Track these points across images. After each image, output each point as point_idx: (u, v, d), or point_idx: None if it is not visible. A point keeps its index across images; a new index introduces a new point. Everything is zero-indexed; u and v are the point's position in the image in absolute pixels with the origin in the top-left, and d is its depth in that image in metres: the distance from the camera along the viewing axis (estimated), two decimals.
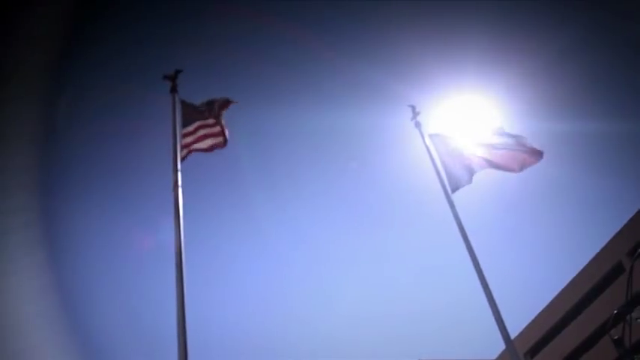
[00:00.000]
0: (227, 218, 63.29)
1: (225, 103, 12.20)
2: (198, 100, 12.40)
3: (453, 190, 13.47)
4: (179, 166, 10.69)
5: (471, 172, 13.65)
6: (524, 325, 39.96)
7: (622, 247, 32.31)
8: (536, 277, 67.00)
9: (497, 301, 11.16)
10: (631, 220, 33.31)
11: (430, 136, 14.52)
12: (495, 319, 10.97)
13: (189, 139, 11.79)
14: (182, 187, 10.33)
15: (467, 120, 15.43)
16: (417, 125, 14.84)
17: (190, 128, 11.84)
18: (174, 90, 12.02)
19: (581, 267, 36.65)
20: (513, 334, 13.91)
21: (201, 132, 11.92)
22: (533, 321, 39.63)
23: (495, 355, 39.06)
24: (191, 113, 12.01)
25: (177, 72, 12.30)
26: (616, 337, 11.25)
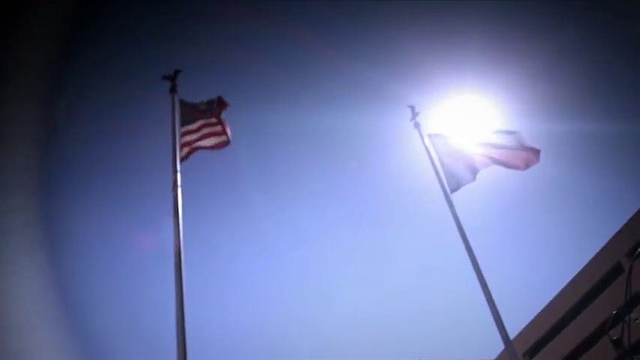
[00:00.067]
0: (226, 218, 63.34)
1: (222, 103, 12.21)
2: (197, 100, 12.43)
3: (453, 190, 13.49)
4: (178, 166, 10.71)
5: (474, 171, 13.66)
6: (523, 326, 39.98)
7: (621, 247, 32.32)
8: (535, 277, 67.02)
9: (497, 302, 11.19)
10: (630, 220, 33.32)
11: (429, 136, 14.53)
12: (494, 319, 10.98)
13: (192, 137, 11.81)
14: (181, 187, 10.34)
15: (466, 120, 15.46)
16: (417, 126, 14.85)
17: (193, 126, 11.86)
18: (173, 90, 12.02)
19: (580, 267, 36.69)
20: (512, 334, 13.91)
21: (205, 130, 11.94)
22: (533, 321, 39.63)
23: (494, 356, 39.04)
24: (191, 112, 12.02)
25: (177, 72, 12.31)
26: (615, 338, 11.27)
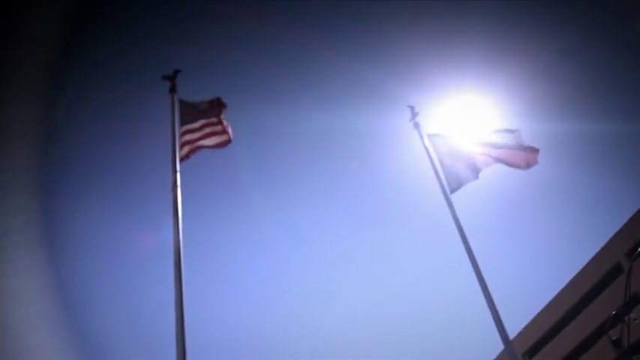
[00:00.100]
0: (226, 218, 63.32)
1: (221, 103, 12.24)
2: (196, 99, 12.45)
3: (452, 191, 13.51)
4: (178, 166, 10.73)
5: (475, 170, 13.68)
6: (522, 326, 40.02)
7: (621, 247, 32.36)
8: (535, 277, 67.02)
9: (496, 302, 11.20)
10: (630, 220, 33.37)
11: (429, 136, 14.54)
12: (494, 319, 10.99)
13: (193, 136, 11.83)
14: (181, 187, 10.37)
15: (466, 120, 15.48)
16: (416, 126, 14.86)
17: (195, 125, 11.89)
18: (173, 90, 12.04)
19: (580, 267, 36.73)
20: (512, 334, 13.93)
21: (207, 130, 11.97)
22: (532, 321, 39.68)
23: (494, 356, 39.04)
24: (191, 112, 12.04)
25: (176, 72, 12.33)
26: (614, 338, 11.31)
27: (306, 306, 65.79)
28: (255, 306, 65.98)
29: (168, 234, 9.67)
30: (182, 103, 11.97)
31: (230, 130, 12.12)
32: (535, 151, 13.25)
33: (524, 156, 13.37)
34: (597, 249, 35.49)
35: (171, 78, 12.17)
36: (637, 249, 14.89)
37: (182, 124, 11.77)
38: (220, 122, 12.04)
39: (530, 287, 62.97)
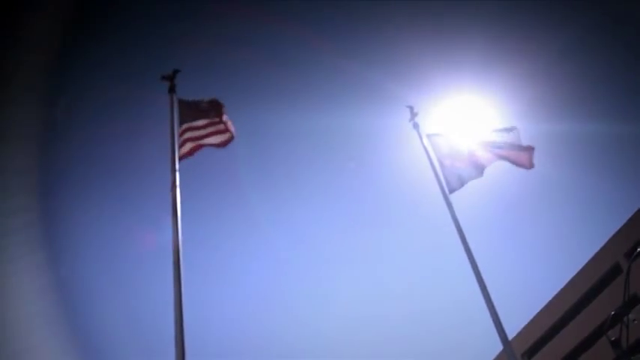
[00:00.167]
0: (225, 218, 63.27)
1: (220, 104, 12.28)
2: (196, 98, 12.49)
3: (451, 191, 13.53)
4: (177, 166, 10.74)
5: (478, 168, 13.70)
6: (521, 326, 40.02)
7: (620, 248, 32.36)
8: (534, 277, 67.03)
9: (495, 302, 11.21)
10: (629, 221, 33.37)
11: (428, 136, 14.56)
12: (493, 319, 11.00)
13: (198, 133, 11.87)
14: (181, 186, 10.38)
15: (465, 121, 15.51)
16: (415, 126, 14.89)
17: (198, 123, 11.92)
18: (172, 90, 12.06)
19: (579, 268, 36.72)
20: (511, 334, 13.94)
21: (210, 129, 12.01)
22: (531, 322, 39.67)
23: (493, 356, 39.06)
24: (192, 111, 12.06)
25: (175, 72, 12.34)
26: (613, 339, 11.30)
27: (305, 306, 65.81)
28: (255, 306, 66.02)
29: (168, 234, 9.69)
30: (181, 102, 11.99)
31: (232, 128, 12.18)
32: (531, 150, 13.31)
33: (525, 156, 13.43)
34: (596, 249, 35.51)
35: (171, 78, 12.19)
36: (636, 249, 14.91)
37: (181, 122, 11.80)
38: (222, 121, 12.10)
39: (530, 287, 63.00)
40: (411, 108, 15.23)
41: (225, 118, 12.13)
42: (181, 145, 11.59)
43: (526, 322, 40.03)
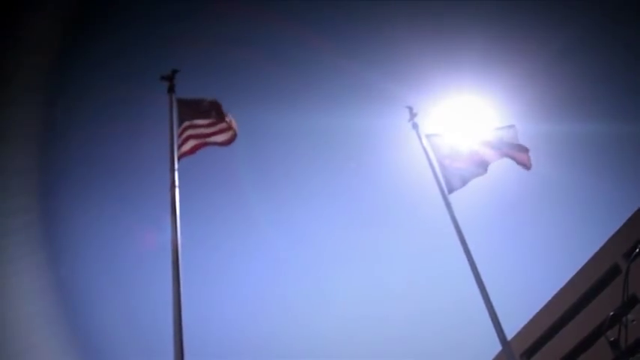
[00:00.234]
0: (224, 217, 63.27)
1: (219, 104, 12.33)
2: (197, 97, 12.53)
3: (450, 191, 13.56)
4: (176, 166, 10.76)
5: (484, 164, 13.73)
6: (520, 326, 40.02)
7: (619, 248, 32.34)
8: (533, 277, 67.01)
9: (494, 302, 11.22)
10: (628, 221, 33.35)
11: (427, 136, 14.59)
12: (492, 319, 11.02)
13: (201, 132, 11.90)
14: (180, 186, 10.40)
15: (464, 121, 15.54)
16: (415, 126, 14.92)
17: (202, 122, 11.96)
18: (171, 90, 12.09)
19: (578, 268, 36.71)
20: (510, 334, 13.94)
21: (213, 128, 12.05)
22: (530, 322, 39.64)
23: (492, 357, 39.08)
24: (192, 110, 12.10)
25: (174, 72, 12.37)
26: (612, 339, 11.35)
27: (304, 306, 65.80)
28: (254, 306, 66.00)
29: (167, 233, 9.71)
30: (180, 101, 12.01)
31: (235, 126, 12.23)
32: (527, 151, 13.39)
33: (524, 156, 13.49)
34: (596, 250, 35.50)
35: (170, 78, 12.22)
36: (635, 250, 14.94)
37: (181, 121, 11.82)
38: (224, 120, 12.15)
39: (529, 287, 62.95)
40: (411, 108, 15.27)
41: (228, 117, 12.18)
42: (182, 143, 11.62)
43: (525, 323, 40.04)
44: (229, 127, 12.18)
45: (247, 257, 66.25)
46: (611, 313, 11.16)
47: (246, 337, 59.43)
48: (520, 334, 38.99)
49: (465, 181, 13.72)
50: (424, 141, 14.53)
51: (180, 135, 11.68)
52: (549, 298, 38.59)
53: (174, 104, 11.90)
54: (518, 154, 13.58)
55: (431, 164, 14.01)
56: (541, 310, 39.02)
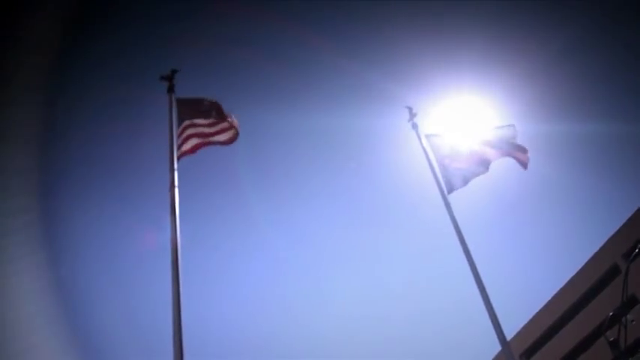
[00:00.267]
0: (224, 217, 63.33)
1: (219, 104, 12.34)
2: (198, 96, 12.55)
3: (450, 191, 13.55)
4: (175, 166, 10.75)
5: (485, 163, 13.73)
6: (520, 326, 40.02)
7: (618, 248, 32.34)
8: (533, 277, 67.02)
9: (494, 302, 11.21)
10: (627, 221, 33.37)
11: (427, 137, 14.57)
12: (491, 320, 11.00)
13: (203, 130, 11.90)
14: (180, 186, 10.39)
15: (464, 121, 15.52)
16: (414, 127, 14.90)
17: (202, 121, 11.96)
18: (171, 90, 12.07)
19: (578, 268, 36.71)
20: (509, 335, 13.94)
21: (215, 128, 12.06)
22: (530, 322, 39.65)
23: (491, 357, 39.08)
24: (192, 109, 12.09)
25: (174, 72, 12.36)
26: (611, 339, 11.32)
27: (303, 305, 65.82)
28: (253, 305, 66.03)
29: (167, 233, 9.69)
30: (179, 101, 12.00)
31: (237, 125, 12.24)
32: (526, 151, 13.42)
33: (523, 156, 13.52)
34: (595, 250, 35.50)
35: (169, 78, 12.21)
36: (634, 250, 14.94)
37: (181, 121, 11.81)
38: (226, 120, 12.16)
39: (529, 288, 62.99)
40: (410, 108, 15.24)
41: (230, 117, 12.20)
42: (183, 143, 11.61)
43: (525, 323, 40.04)
44: (231, 127, 12.18)
45: (247, 257, 66.30)
46: (611, 314, 11.12)
47: (245, 337, 59.46)
48: (520, 334, 39.01)
49: (466, 181, 13.71)
50: (424, 141, 14.51)
51: (180, 134, 11.68)
52: (549, 298, 38.66)
53: (174, 104, 11.89)
54: (517, 153, 13.60)
55: (430, 164, 13.99)
56: (540, 311, 39.04)
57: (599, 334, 23.15)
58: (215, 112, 12.20)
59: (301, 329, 64.47)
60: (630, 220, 33.16)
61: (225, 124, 12.15)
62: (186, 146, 11.65)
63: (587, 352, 33.55)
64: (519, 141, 13.54)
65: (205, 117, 12.08)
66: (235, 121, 12.28)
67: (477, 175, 13.75)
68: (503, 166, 14.16)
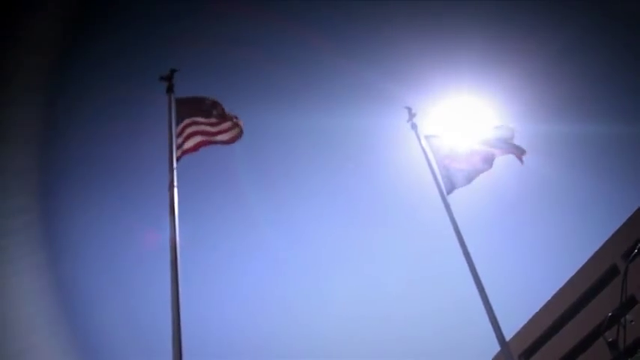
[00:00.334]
0: (223, 217, 63.30)
1: (220, 104, 12.35)
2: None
3: (449, 192, 13.57)
4: (175, 165, 10.76)
5: (489, 160, 13.76)
6: (519, 327, 40.03)
7: (618, 249, 32.36)
8: (532, 278, 67.03)
9: (493, 303, 11.23)
10: (626, 222, 33.38)
11: (426, 137, 14.60)
12: (490, 320, 11.02)
13: (207, 129, 11.91)
14: (179, 186, 10.40)
15: (464, 121, 15.55)
16: (414, 127, 14.92)
17: (204, 120, 11.97)
18: (170, 90, 12.08)
19: (577, 269, 36.72)
20: (509, 335, 13.97)
21: (217, 127, 12.07)
22: (529, 323, 39.65)
23: (490, 357, 39.10)
24: (192, 109, 12.10)
25: (173, 71, 12.36)
26: (610, 340, 11.34)
27: (303, 305, 65.83)
28: (253, 305, 66.02)
29: (167, 233, 9.71)
30: (179, 101, 12.00)
31: (241, 124, 12.27)
32: (523, 151, 13.48)
33: (520, 154, 13.58)
34: (594, 250, 35.51)
35: (169, 78, 12.22)
36: (633, 251, 14.96)
37: (180, 120, 11.80)
38: (227, 119, 12.17)
39: (528, 288, 62.98)
40: (409, 109, 15.27)
41: (235, 118, 12.21)
42: (185, 140, 11.62)
43: (524, 323, 40.04)
44: (234, 126, 12.19)
45: (246, 257, 66.30)
46: (610, 314, 11.14)
47: (245, 337, 59.47)
48: (519, 335, 39.00)
49: (470, 178, 13.75)
50: (423, 141, 14.53)
51: (180, 133, 11.67)
52: (548, 298, 38.66)
53: (173, 104, 11.90)
54: (516, 152, 13.66)
55: (430, 165, 14.01)
56: (540, 311, 39.02)
57: (599, 334, 23.15)
58: (217, 111, 12.21)
59: (301, 329, 64.48)
60: (630, 220, 33.17)
61: (227, 124, 12.16)
62: (189, 144, 11.65)
63: (586, 352, 33.57)
64: (517, 141, 13.59)
65: (206, 116, 12.09)
66: (240, 121, 12.29)
67: (481, 172, 13.78)
68: (503, 166, 14.19)
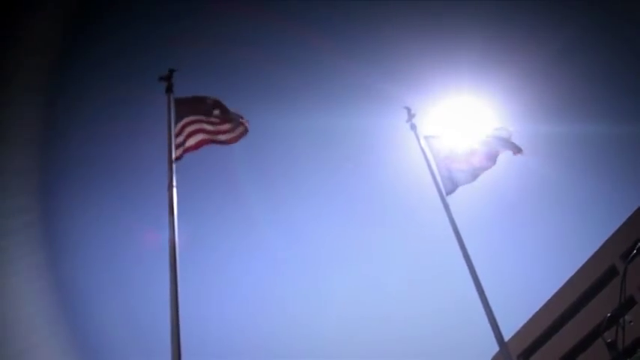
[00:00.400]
0: (223, 217, 63.31)
1: (222, 103, 12.35)
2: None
3: (448, 193, 13.56)
4: (174, 166, 10.76)
5: (492, 158, 13.78)
6: (517, 327, 40.06)
7: (616, 249, 32.38)
8: (532, 278, 67.05)
9: (491, 303, 11.23)
10: (625, 222, 33.42)
11: (426, 138, 14.57)
12: (489, 320, 11.01)
13: (208, 128, 11.91)
14: (178, 185, 10.40)
15: (463, 122, 15.54)
16: (413, 127, 14.89)
17: (205, 119, 11.96)
18: (169, 90, 12.06)
19: (576, 269, 36.75)
20: (508, 335, 13.99)
21: (218, 127, 12.08)
22: (528, 323, 39.69)
23: (489, 357, 39.10)
24: (192, 108, 12.07)
25: (172, 71, 12.33)
26: (609, 340, 11.32)
27: (302, 305, 65.83)
28: (252, 305, 66.01)
29: (166, 233, 9.71)
30: (178, 100, 11.98)
31: (247, 123, 12.26)
32: (521, 151, 13.52)
33: (519, 153, 13.63)
34: (594, 250, 35.54)
35: (168, 78, 12.21)
36: (632, 252, 14.93)
37: (180, 119, 11.78)
38: (228, 119, 12.17)
39: (527, 288, 63.02)
40: (409, 109, 15.23)
41: (241, 117, 12.20)
42: (186, 139, 11.60)
43: (523, 323, 40.06)
44: (237, 126, 12.17)
45: (245, 256, 66.30)
46: (609, 315, 11.12)
47: (244, 337, 59.46)
48: (518, 335, 39.02)
49: (475, 176, 13.76)
50: (422, 142, 14.51)
51: (180, 132, 11.64)
52: (547, 298, 38.69)
53: (172, 104, 11.89)
54: (513, 149, 13.71)
55: (429, 165, 13.99)
56: (539, 311, 39.07)
57: (597, 334, 23.15)
58: (218, 110, 12.19)
59: (300, 329, 64.48)
60: (629, 220, 33.21)
61: (229, 124, 12.14)
62: (190, 142, 11.62)
63: (585, 352, 33.58)
64: (516, 141, 13.62)
65: (207, 115, 12.07)
66: (245, 120, 12.27)
67: (486, 169, 13.79)
68: (502, 166, 14.19)
